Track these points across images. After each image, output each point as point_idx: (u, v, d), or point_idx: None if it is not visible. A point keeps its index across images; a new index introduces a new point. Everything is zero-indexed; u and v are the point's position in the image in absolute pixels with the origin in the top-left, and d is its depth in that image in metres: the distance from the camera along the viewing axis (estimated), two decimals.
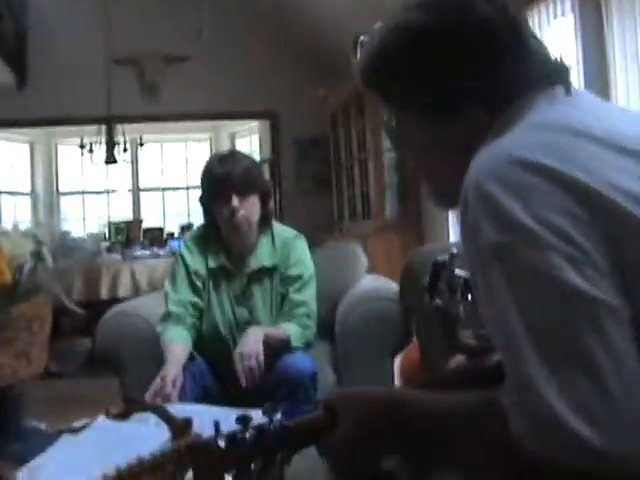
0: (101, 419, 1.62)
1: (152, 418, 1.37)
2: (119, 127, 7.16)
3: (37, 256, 2.38)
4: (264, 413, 0.97)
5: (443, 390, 1.03)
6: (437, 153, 1.09)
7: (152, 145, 9.28)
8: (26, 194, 8.84)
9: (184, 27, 6.93)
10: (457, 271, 1.53)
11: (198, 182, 2.61)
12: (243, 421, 0.93)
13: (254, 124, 8.70)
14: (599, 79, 3.39)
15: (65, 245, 5.76)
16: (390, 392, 1.09)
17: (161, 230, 8.04)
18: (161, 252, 6.33)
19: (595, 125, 0.91)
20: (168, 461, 0.93)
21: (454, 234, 5.11)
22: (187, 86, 7.15)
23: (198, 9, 6.61)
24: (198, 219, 3.11)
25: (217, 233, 2.56)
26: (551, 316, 0.79)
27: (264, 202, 2.55)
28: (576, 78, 3.48)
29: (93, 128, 7.27)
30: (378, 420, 0.97)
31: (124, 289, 5.45)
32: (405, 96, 1.08)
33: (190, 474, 0.95)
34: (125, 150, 7.41)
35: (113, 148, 7.12)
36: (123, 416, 1.34)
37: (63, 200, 9.28)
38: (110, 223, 8.09)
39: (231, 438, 0.92)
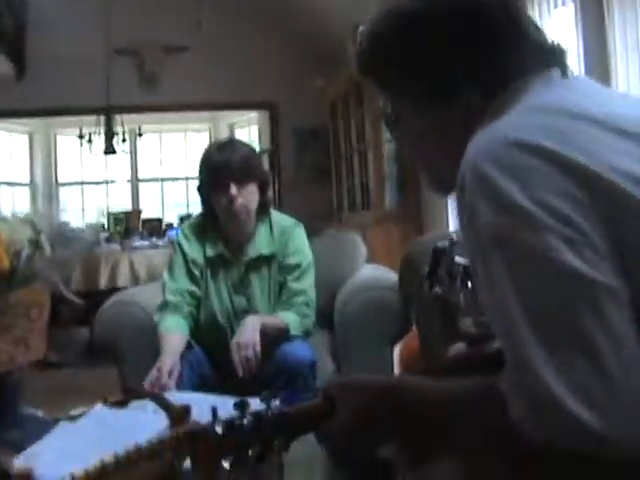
0: (99, 407, 1.62)
1: (150, 406, 1.37)
2: (118, 117, 7.16)
3: (35, 244, 2.37)
4: (262, 400, 0.97)
5: (443, 378, 1.03)
6: (433, 139, 1.09)
7: (151, 135, 9.27)
8: (25, 185, 8.81)
9: (183, 17, 6.91)
10: (457, 258, 1.52)
11: (197, 172, 2.60)
12: (241, 407, 0.93)
13: (253, 114, 8.67)
14: (599, 69, 3.37)
15: (64, 235, 5.75)
16: (389, 379, 1.10)
17: (160, 221, 8.04)
18: (160, 242, 6.33)
19: (595, 108, 0.91)
20: (166, 448, 0.92)
21: (453, 224, 5.10)
22: (186, 76, 7.12)
23: None
24: (197, 210, 3.10)
25: (215, 221, 2.55)
26: (549, 297, 0.79)
27: (262, 190, 2.54)
28: (577, 68, 3.47)
29: (92, 118, 7.27)
30: (377, 407, 0.97)
31: (123, 279, 5.46)
32: (401, 82, 1.08)
33: (189, 461, 0.95)
34: (124, 140, 7.43)
35: (112, 138, 7.12)
36: (121, 404, 1.34)
37: (62, 190, 9.25)
38: (109, 213, 8.07)
39: (229, 424, 0.91)
